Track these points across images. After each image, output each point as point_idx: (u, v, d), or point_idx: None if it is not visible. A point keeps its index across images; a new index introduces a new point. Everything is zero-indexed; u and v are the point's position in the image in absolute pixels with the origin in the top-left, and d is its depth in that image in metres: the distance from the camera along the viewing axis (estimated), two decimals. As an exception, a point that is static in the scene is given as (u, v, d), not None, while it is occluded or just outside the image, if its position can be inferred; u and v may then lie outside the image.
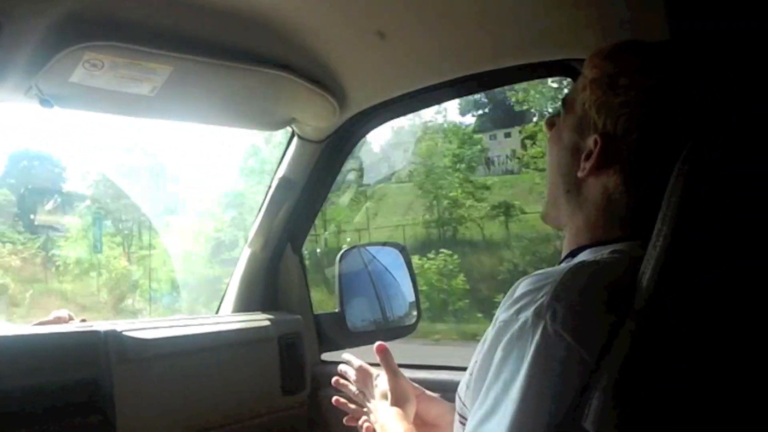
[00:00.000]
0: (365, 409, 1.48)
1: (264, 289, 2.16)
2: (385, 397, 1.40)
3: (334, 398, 1.55)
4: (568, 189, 1.15)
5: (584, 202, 1.13)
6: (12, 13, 1.25)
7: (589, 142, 1.10)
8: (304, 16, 1.54)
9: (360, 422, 1.46)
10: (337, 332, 2.14)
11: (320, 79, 1.74)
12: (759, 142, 0.64)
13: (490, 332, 1.04)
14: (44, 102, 1.49)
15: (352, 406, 1.53)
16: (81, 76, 1.43)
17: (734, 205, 0.90)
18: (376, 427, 1.39)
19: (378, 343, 1.47)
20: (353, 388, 1.53)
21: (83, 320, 1.78)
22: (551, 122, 1.23)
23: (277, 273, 2.17)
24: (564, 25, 1.40)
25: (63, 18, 1.32)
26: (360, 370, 1.52)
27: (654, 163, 1.04)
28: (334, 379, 1.57)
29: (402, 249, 2.25)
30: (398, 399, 1.38)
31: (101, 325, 1.65)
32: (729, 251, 0.91)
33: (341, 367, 1.57)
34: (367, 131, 2.03)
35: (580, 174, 1.11)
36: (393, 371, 1.42)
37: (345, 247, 2.22)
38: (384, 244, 2.47)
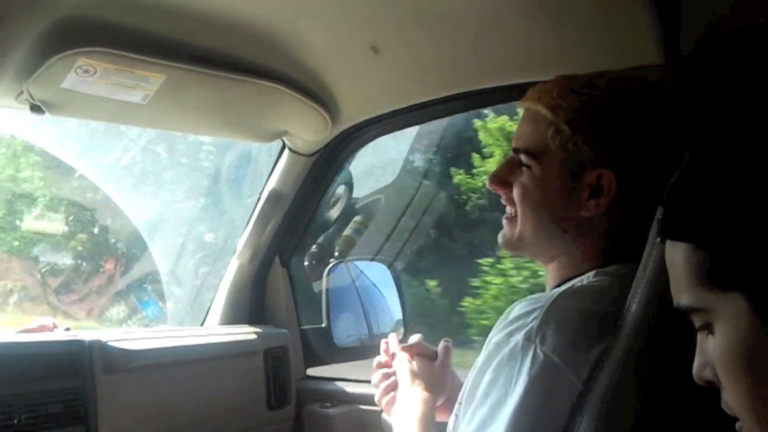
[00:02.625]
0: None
1: (251, 301, 2.14)
2: (416, 377, 1.34)
3: (376, 360, 1.45)
4: (565, 230, 1.12)
5: (582, 237, 1.12)
6: (4, 18, 1.24)
7: (590, 179, 1.08)
8: (298, 29, 1.54)
9: (381, 390, 1.40)
10: (323, 347, 2.13)
11: (313, 92, 1.74)
12: (749, 167, 0.65)
13: (482, 355, 1.04)
14: (35, 108, 1.48)
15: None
16: (73, 82, 1.42)
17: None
18: (398, 402, 1.34)
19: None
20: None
21: (67, 329, 1.77)
22: (501, 180, 1.18)
23: (264, 286, 2.15)
24: (560, 45, 1.40)
25: (56, 23, 1.31)
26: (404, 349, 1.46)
27: (644, 189, 1.05)
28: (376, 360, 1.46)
29: (390, 265, 2.24)
30: (429, 384, 1.32)
31: (86, 334, 1.64)
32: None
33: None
34: (359, 146, 2.03)
35: (585, 213, 1.09)
36: (429, 357, 1.37)
37: (332, 261, 2.22)
38: (372, 259, 2.46)
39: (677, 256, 0.69)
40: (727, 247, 0.64)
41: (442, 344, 1.38)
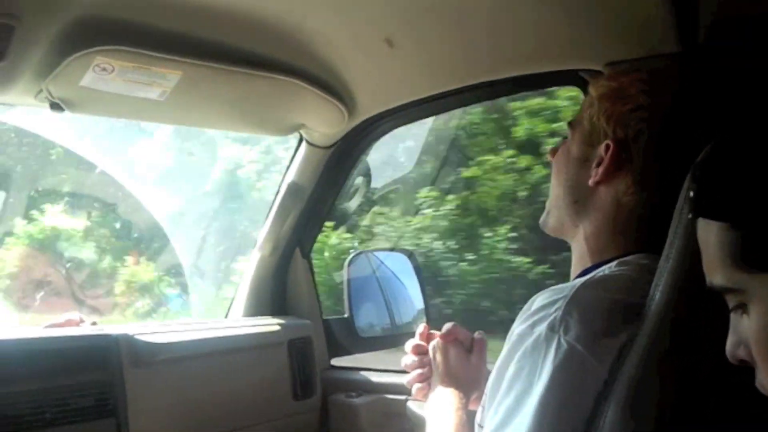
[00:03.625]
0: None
1: (273, 293, 2.16)
2: (451, 371, 1.34)
3: (411, 343, 1.44)
4: (576, 199, 1.16)
5: (593, 212, 1.14)
6: (24, 17, 1.25)
7: (600, 149, 1.12)
8: (314, 23, 1.54)
9: (414, 376, 1.40)
10: (346, 337, 2.14)
11: (329, 85, 1.74)
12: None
13: (505, 347, 1.05)
14: (54, 106, 1.50)
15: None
16: (91, 80, 1.43)
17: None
18: (433, 396, 1.34)
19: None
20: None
21: (94, 323, 1.79)
22: (554, 150, 1.25)
23: (286, 277, 2.17)
24: (574, 35, 1.40)
25: (74, 22, 1.33)
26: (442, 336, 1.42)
27: (662, 170, 1.06)
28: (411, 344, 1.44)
29: (410, 255, 2.25)
30: (464, 380, 1.32)
31: (113, 328, 1.66)
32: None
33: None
34: (376, 138, 2.03)
35: (591, 182, 1.12)
36: (465, 343, 1.37)
37: (353, 252, 2.22)
38: (392, 249, 2.47)
39: (711, 235, 0.68)
40: (762, 227, 0.64)
41: (476, 336, 1.37)
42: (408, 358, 1.41)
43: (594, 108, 1.14)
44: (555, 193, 1.21)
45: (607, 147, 1.10)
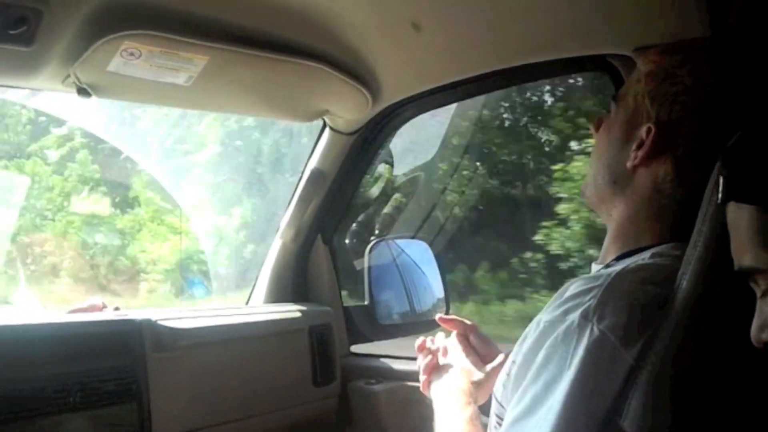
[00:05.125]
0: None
1: (294, 280, 2.17)
2: (464, 369, 1.35)
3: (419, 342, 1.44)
4: (614, 180, 1.15)
5: (631, 194, 1.13)
6: (53, 2, 1.26)
7: (642, 131, 1.10)
8: (339, 8, 1.53)
9: (423, 366, 1.40)
10: (366, 325, 2.15)
11: (354, 70, 1.73)
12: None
13: (531, 332, 1.04)
14: (81, 91, 1.51)
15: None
16: (118, 65, 1.44)
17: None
18: (433, 386, 1.36)
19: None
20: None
21: (117, 308, 1.81)
22: (599, 121, 1.23)
23: (307, 264, 2.18)
24: (602, 20, 1.38)
25: (102, 7, 1.33)
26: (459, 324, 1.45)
27: (703, 157, 1.04)
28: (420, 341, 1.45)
29: (430, 243, 2.25)
30: (474, 385, 1.31)
31: (136, 313, 1.67)
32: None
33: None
34: (399, 125, 2.02)
35: (629, 164, 1.11)
36: (466, 350, 1.38)
37: (373, 239, 2.23)
38: (412, 237, 2.46)
39: (741, 218, 0.68)
40: None
41: (504, 353, 1.35)
42: (419, 359, 1.43)
43: (640, 85, 1.13)
44: (593, 169, 1.20)
45: (649, 130, 1.09)
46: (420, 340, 1.44)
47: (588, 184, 1.22)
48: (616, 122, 1.17)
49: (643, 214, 1.11)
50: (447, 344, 1.42)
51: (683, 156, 1.07)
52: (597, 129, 1.22)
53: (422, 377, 1.39)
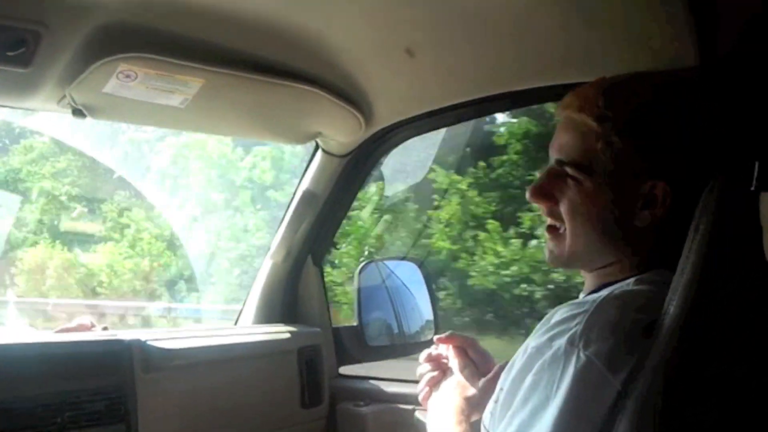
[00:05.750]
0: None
1: (284, 301, 2.17)
2: (463, 384, 1.33)
3: (427, 352, 1.42)
4: (616, 240, 1.10)
5: (631, 246, 1.10)
6: (51, 24, 1.27)
7: (643, 189, 1.07)
8: (334, 33, 1.55)
9: (425, 381, 1.38)
10: (355, 346, 2.15)
11: (347, 94, 1.75)
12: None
13: (518, 358, 1.05)
14: (77, 112, 1.52)
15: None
16: (114, 87, 1.45)
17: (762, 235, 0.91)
18: (431, 400, 1.35)
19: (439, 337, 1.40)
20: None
21: (105, 328, 1.80)
22: (546, 190, 1.15)
23: (297, 285, 2.17)
24: (595, 47, 1.40)
25: (100, 30, 1.35)
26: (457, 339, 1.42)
27: (680, 186, 1.06)
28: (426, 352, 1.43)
29: (420, 264, 2.25)
30: (471, 400, 1.30)
31: (125, 333, 1.67)
32: (759, 279, 0.91)
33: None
34: (391, 147, 2.04)
35: (640, 224, 1.08)
36: (462, 364, 1.35)
37: (363, 260, 2.23)
38: (402, 258, 2.47)
39: None
40: None
41: (499, 364, 1.31)
42: (422, 368, 1.40)
43: (616, 147, 1.07)
44: (586, 240, 1.12)
45: (653, 186, 1.06)
46: (425, 352, 1.42)
47: (572, 254, 1.14)
48: (602, 187, 1.09)
49: (634, 254, 1.11)
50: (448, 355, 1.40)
51: (678, 201, 1.06)
52: (548, 201, 1.15)
53: (424, 390, 1.37)
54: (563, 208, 1.12)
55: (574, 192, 1.11)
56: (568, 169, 1.11)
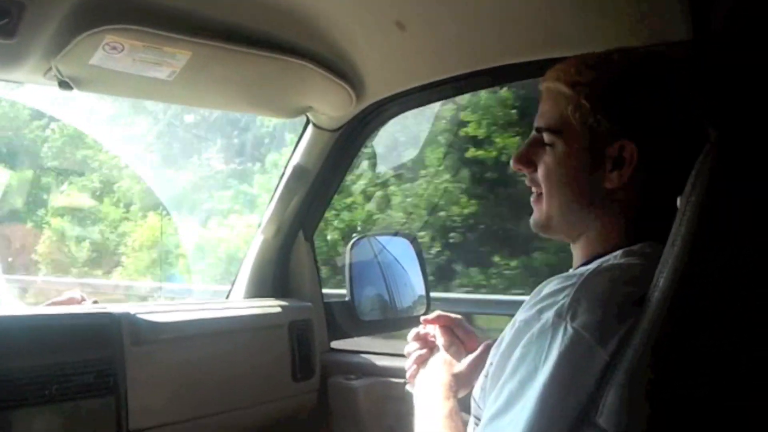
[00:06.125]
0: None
1: (275, 275, 2.17)
2: (449, 361, 1.35)
3: (414, 331, 1.44)
4: (591, 202, 1.12)
5: (608, 211, 1.12)
6: None
7: (611, 151, 1.09)
8: (324, 5, 1.54)
9: (412, 359, 1.40)
10: (347, 320, 2.15)
11: (338, 68, 1.74)
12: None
13: (507, 333, 1.06)
14: (63, 84, 1.50)
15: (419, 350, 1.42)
16: (100, 58, 1.43)
17: (756, 207, 0.91)
18: (418, 378, 1.36)
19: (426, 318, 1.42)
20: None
21: (95, 302, 1.80)
22: (525, 159, 1.18)
23: (288, 260, 2.18)
24: (585, 22, 1.39)
25: (85, 1, 1.33)
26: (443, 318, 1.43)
27: (671, 162, 1.06)
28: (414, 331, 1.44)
29: (413, 240, 2.25)
30: (456, 376, 1.31)
31: (115, 307, 1.67)
32: (750, 252, 0.91)
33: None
34: (382, 122, 2.03)
35: (610, 185, 1.09)
36: (447, 342, 1.38)
37: (355, 236, 2.23)
38: (395, 233, 2.48)
39: None
40: None
41: (486, 342, 1.33)
42: (410, 346, 1.42)
43: (585, 108, 1.10)
44: (560, 203, 1.15)
45: (621, 148, 1.08)
46: (414, 331, 1.44)
47: (549, 218, 1.17)
48: (573, 150, 1.12)
49: (615, 223, 1.12)
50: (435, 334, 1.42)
51: (656, 165, 1.08)
52: (528, 167, 1.19)
53: (412, 367, 1.39)
54: (540, 173, 1.16)
55: (549, 156, 1.15)
56: (544, 135, 1.15)
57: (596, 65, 1.13)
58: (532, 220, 1.21)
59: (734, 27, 1.18)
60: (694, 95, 1.10)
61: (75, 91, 1.53)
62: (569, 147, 1.13)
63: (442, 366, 1.34)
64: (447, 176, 5.71)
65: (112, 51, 1.41)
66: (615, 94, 1.09)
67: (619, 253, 1.08)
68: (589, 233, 1.15)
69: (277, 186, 2.09)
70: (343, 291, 2.15)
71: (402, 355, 1.45)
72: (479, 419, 1.10)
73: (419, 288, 2.18)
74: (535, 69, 1.64)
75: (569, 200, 1.14)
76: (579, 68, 1.12)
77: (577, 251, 1.17)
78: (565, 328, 0.96)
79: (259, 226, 2.14)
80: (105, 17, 1.36)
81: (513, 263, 5.51)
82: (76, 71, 1.48)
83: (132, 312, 1.65)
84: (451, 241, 5.61)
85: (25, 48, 1.38)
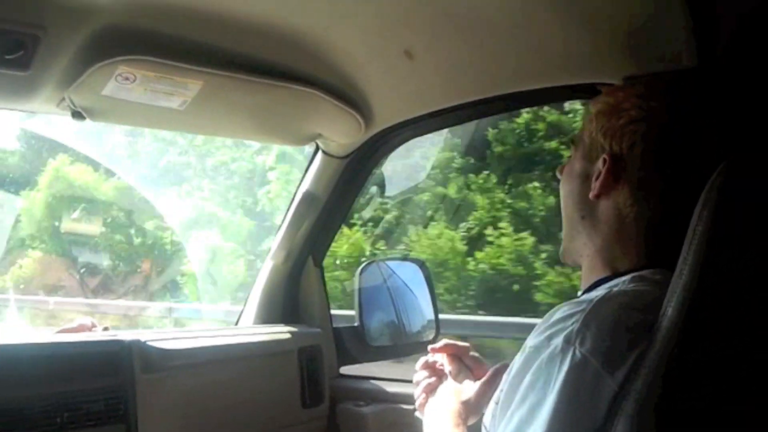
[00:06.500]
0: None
1: (284, 301, 2.17)
2: (459, 389, 1.35)
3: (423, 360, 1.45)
4: (582, 215, 1.18)
5: (599, 224, 1.16)
6: (50, 27, 1.28)
7: (598, 164, 1.14)
8: (333, 35, 1.55)
9: (421, 387, 1.41)
10: (356, 346, 2.15)
11: (347, 96, 1.75)
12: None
13: (517, 359, 1.06)
14: (76, 114, 1.53)
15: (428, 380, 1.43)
16: (113, 89, 1.46)
17: (763, 237, 0.91)
18: (427, 406, 1.37)
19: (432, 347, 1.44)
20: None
21: (106, 328, 1.81)
22: (562, 167, 1.27)
23: (297, 286, 2.18)
24: (593, 49, 1.40)
25: (99, 32, 1.35)
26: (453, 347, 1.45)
27: (664, 181, 1.09)
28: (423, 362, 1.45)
29: (422, 264, 2.26)
30: (466, 404, 1.32)
31: (125, 334, 1.67)
32: (758, 282, 0.91)
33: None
34: (391, 149, 2.04)
35: (591, 194, 1.15)
36: (455, 370, 1.40)
37: (364, 261, 2.23)
38: (404, 258, 2.48)
39: None
40: None
41: (495, 367, 1.34)
42: (419, 375, 1.43)
43: (593, 124, 1.17)
44: (566, 213, 1.23)
45: (604, 161, 1.13)
46: (422, 359, 1.45)
47: (565, 238, 1.24)
48: (576, 161, 1.21)
49: (613, 241, 1.13)
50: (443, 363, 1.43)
51: (641, 181, 1.10)
52: (561, 172, 1.27)
53: (421, 396, 1.39)
54: None
55: (567, 165, 1.24)
56: (571, 147, 1.26)
57: (613, 90, 1.23)
58: None
59: (738, 52, 1.19)
60: (699, 122, 1.11)
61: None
62: (576, 157, 1.23)
63: (451, 394, 1.34)
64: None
65: (125, 81, 1.43)
66: (613, 113, 1.15)
67: (627, 278, 1.08)
68: (587, 253, 1.19)
69: (287, 212, 2.10)
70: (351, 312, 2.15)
71: (412, 381, 1.45)
72: None
73: (428, 312, 2.18)
74: (544, 96, 1.66)
75: (568, 210, 1.23)
76: (609, 90, 1.24)
77: (584, 276, 1.19)
78: (573, 353, 0.95)
79: (269, 252, 2.15)
80: (117, 48, 1.38)
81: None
82: (89, 101, 1.50)
83: (142, 339, 1.65)
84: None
85: (39, 79, 1.40)
